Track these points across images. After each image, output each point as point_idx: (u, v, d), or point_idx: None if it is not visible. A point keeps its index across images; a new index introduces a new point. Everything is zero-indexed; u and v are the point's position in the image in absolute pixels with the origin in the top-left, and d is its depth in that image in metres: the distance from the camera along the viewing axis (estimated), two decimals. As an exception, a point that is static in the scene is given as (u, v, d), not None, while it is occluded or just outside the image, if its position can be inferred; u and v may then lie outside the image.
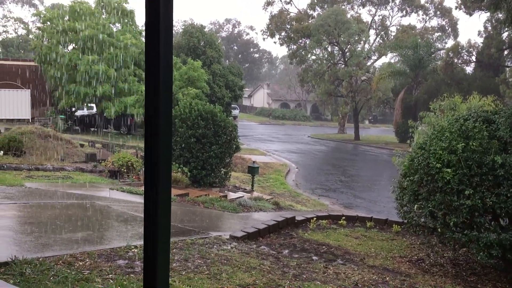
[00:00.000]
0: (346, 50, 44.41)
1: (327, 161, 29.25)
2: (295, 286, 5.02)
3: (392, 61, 49.78)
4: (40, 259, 4.63)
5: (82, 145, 18.64)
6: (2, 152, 13.88)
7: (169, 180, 1.23)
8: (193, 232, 7.15)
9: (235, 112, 53.39)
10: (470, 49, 38.03)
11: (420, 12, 52.05)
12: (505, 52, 36.86)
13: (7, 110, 29.91)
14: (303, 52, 47.57)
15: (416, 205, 6.83)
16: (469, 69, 39.50)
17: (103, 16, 30.26)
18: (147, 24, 1.16)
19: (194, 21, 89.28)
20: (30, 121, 28.78)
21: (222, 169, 14.37)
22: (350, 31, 41.71)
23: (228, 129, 14.05)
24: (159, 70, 1.16)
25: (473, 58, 38.33)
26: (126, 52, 28.39)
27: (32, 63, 31.77)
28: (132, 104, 27.02)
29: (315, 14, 49.90)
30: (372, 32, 52.39)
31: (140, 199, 9.78)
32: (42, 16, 30.27)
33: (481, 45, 37.49)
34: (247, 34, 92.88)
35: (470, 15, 37.62)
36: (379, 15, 53.30)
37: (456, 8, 39.73)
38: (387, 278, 5.79)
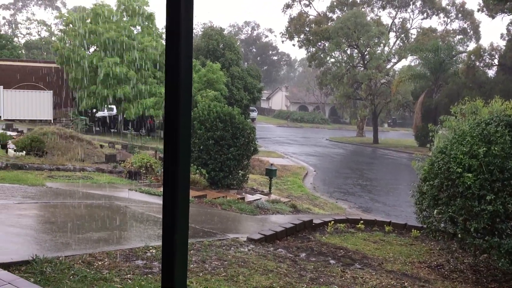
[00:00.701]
0: (365, 53, 44.11)
1: (345, 165, 29.06)
2: (312, 289, 4.99)
3: (412, 64, 49.35)
4: (60, 258, 4.70)
5: (102, 146, 18.86)
6: (24, 152, 14.16)
7: (188, 181, 1.23)
8: (211, 233, 7.17)
9: (253, 114, 53.44)
10: (493, 52, 37.33)
11: (441, 15, 51.51)
12: (529, 56, 36.15)
13: (29, 111, 30.50)
14: (322, 55, 47.38)
15: (436, 210, 6.74)
16: (491, 72, 38.87)
17: (124, 19, 30.68)
18: (167, 27, 1.17)
19: (214, 23, 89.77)
20: (52, 122, 29.27)
21: (240, 171, 14.36)
22: (370, 33, 41.44)
23: (246, 131, 14.04)
24: (179, 74, 1.17)
25: (496, 61, 37.63)
26: (146, 54, 28.74)
27: (54, 65, 32.31)
28: (151, 106, 27.29)
29: (334, 16, 49.75)
30: (392, 34, 52.01)
31: (158, 200, 9.85)
32: (64, 18, 30.86)
33: (504, 48, 36.80)
34: (266, 36, 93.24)
35: (493, 17, 37.00)
36: (399, 18, 52.96)
37: (478, 10, 39.06)
38: (406, 284, 5.72)
